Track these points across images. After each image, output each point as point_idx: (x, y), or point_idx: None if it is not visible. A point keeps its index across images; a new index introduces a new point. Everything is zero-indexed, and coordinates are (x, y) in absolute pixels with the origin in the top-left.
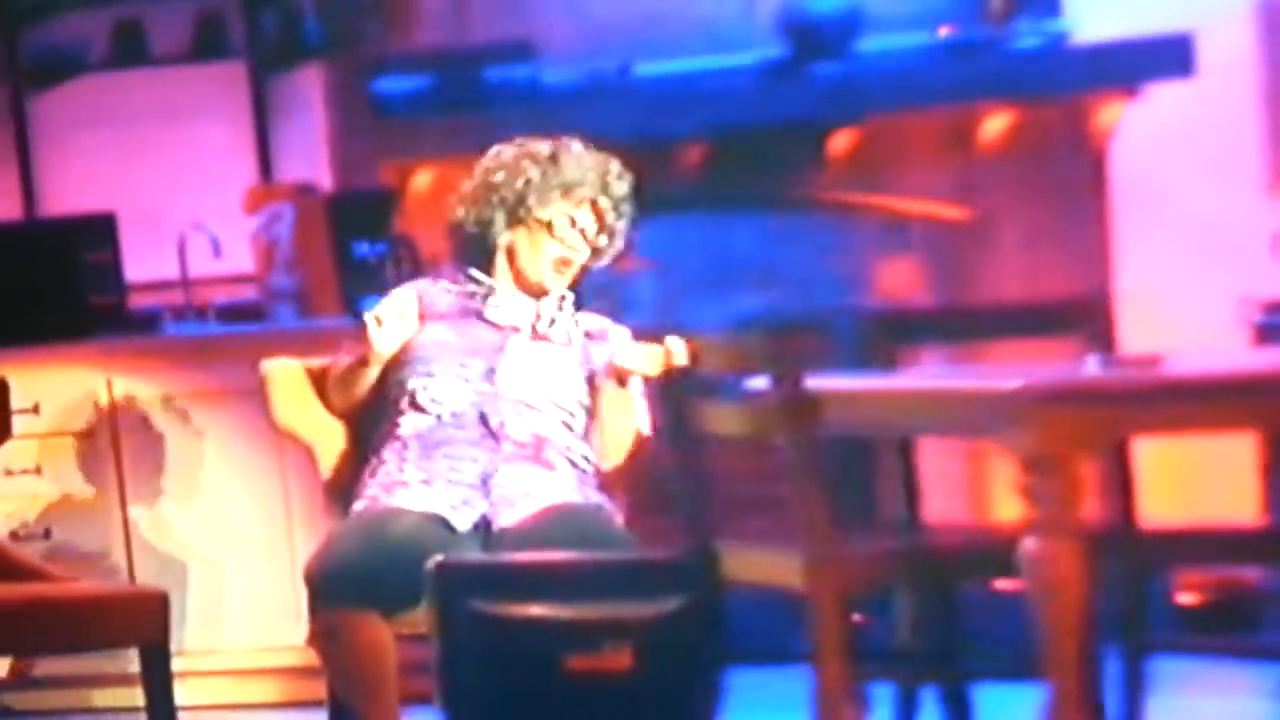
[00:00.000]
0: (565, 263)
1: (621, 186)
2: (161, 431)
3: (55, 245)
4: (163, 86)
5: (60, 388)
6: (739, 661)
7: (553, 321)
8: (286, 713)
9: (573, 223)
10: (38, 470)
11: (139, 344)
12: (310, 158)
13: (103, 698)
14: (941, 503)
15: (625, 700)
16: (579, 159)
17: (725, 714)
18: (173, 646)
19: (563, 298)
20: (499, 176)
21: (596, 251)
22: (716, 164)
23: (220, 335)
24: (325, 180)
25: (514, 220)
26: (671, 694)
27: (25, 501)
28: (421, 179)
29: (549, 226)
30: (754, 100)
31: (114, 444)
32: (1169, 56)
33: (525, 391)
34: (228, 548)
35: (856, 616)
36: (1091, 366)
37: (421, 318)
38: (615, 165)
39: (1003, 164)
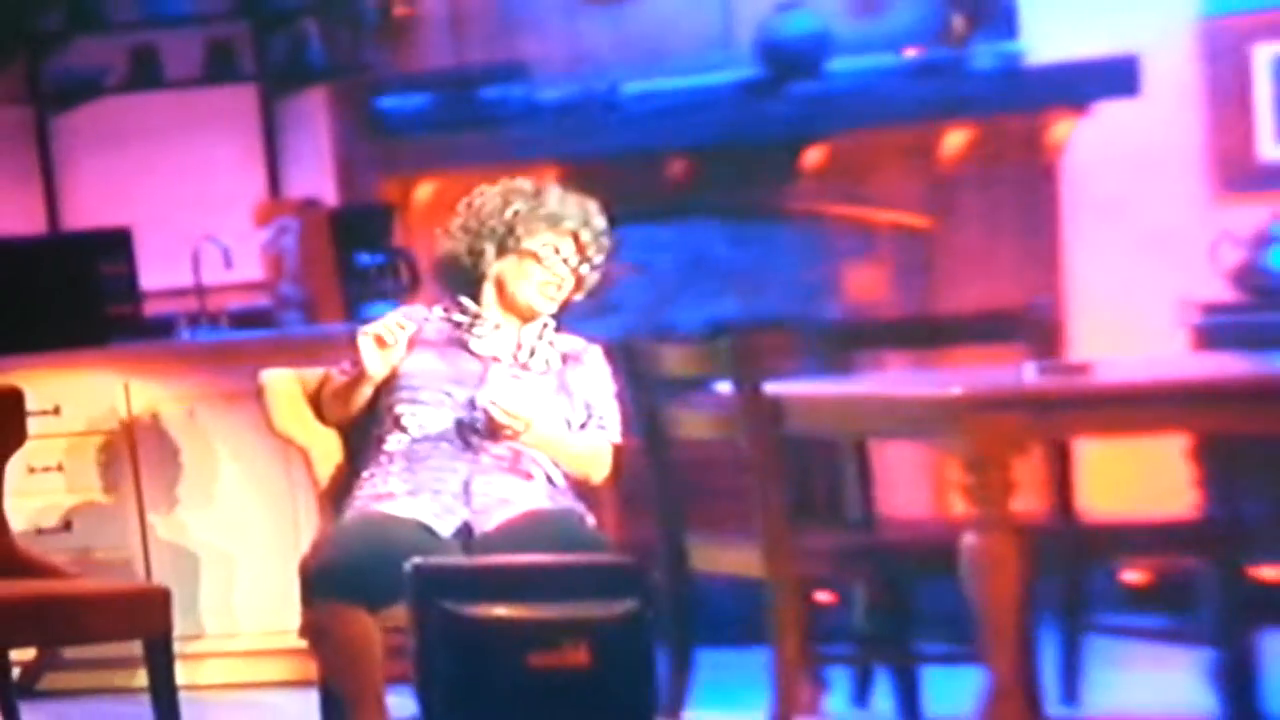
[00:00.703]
0: (553, 288)
1: (601, 222)
2: (175, 432)
3: (75, 258)
4: (177, 108)
5: (80, 391)
6: (710, 643)
7: (533, 351)
8: (295, 690)
9: (557, 251)
10: (59, 468)
11: (154, 349)
12: (316, 174)
13: (124, 678)
14: (908, 495)
15: (582, 692)
16: (561, 195)
17: (696, 691)
18: (191, 631)
19: (545, 325)
20: (488, 210)
21: (579, 282)
22: (698, 176)
23: (231, 341)
24: (330, 195)
25: (503, 250)
26: (623, 686)
27: (47, 498)
28: (423, 192)
29: (536, 255)
30: (732, 117)
31: (130, 443)
32: (1116, 76)
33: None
34: (239, 540)
35: (825, 596)
36: (1029, 373)
37: (411, 344)
38: (594, 204)
39: (963, 176)
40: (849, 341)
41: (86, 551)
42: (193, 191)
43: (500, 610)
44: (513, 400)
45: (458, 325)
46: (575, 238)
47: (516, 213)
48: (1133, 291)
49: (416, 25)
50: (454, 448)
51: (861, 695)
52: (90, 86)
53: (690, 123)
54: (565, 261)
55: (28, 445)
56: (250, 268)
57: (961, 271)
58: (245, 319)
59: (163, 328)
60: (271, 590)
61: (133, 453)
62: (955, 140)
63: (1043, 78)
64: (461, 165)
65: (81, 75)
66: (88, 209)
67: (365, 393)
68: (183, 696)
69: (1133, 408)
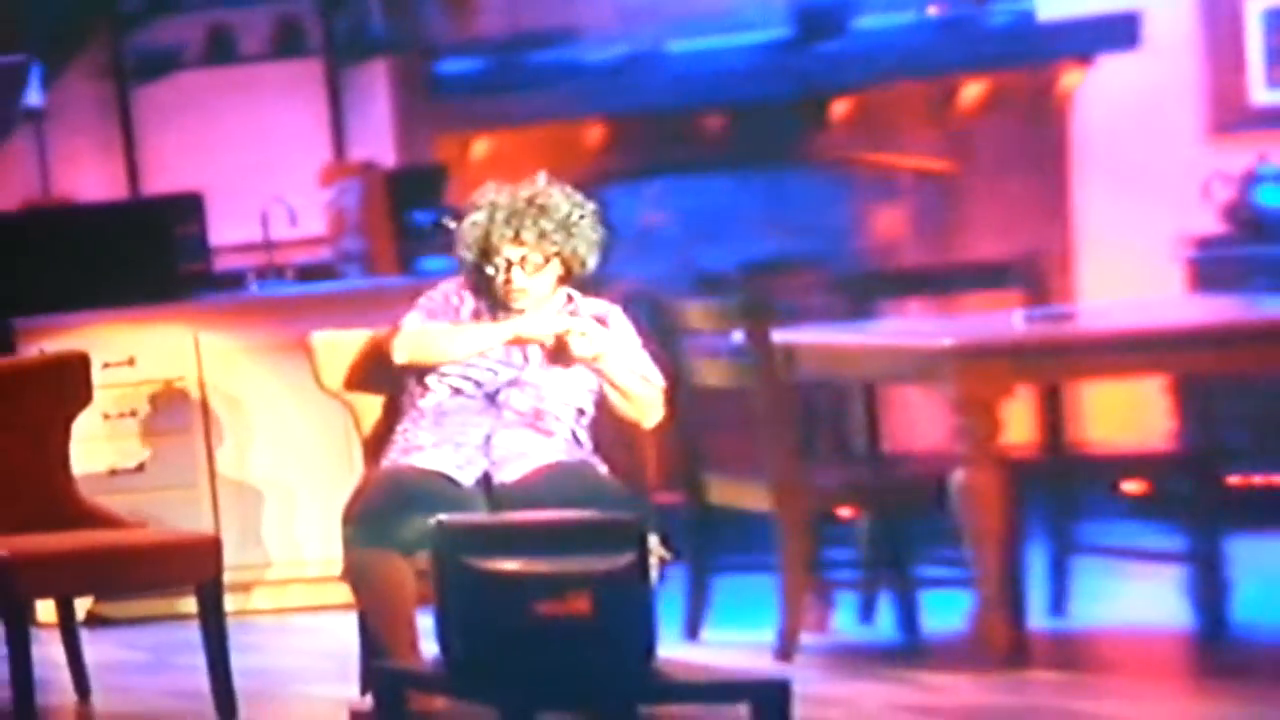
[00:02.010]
0: (514, 291)
1: (557, 209)
2: (241, 378)
3: (151, 220)
4: (248, 81)
5: (153, 342)
6: (728, 570)
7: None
8: (350, 613)
9: (507, 262)
10: (133, 414)
11: (222, 304)
12: (376, 138)
13: (186, 605)
14: (925, 430)
15: (584, 637)
16: (495, 205)
17: (713, 614)
18: (254, 561)
19: (570, 297)
20: (467, 224)
21: (568, 267)
22: (733, 128)
23: (291, 295)
24: (389, 158)
25: (483, 258)
26: (621, 632)
27: (122, 441)
28: (478, 149)
29: (504, 265)
30: (766, 73)
31: (200, 389)
32: (1119, 31)
33: (537, 395)
34: (299, 478)
35: (846, 512)
36: (1016, 321)
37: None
38: (548, 196)
39: (979, 125)
40: (872, 289)
41: (159, 490)
42: (262, 156)
43: (512, 564)
44: (590, 326)
45: (487, 311)
46: (541, 236)
47: (480, 227)
48: (1134, 227)
49: None
50: (480, 406)
51: (866, 614)
52: (168, 62)
53: (727, 79)
54: (535, 266)
55: (105, 394)
56: (315, 224)
57: (978, 212)
58: (310, 272)
59: (234, 281)
60: (329, 523)
61: (202, 399)
62: (972, 91)
63: (1052, 33)
64: (514, 124)
65: (160, 52)
66: (165, 174)
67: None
68: (244, 622)
69: (1110, 354)
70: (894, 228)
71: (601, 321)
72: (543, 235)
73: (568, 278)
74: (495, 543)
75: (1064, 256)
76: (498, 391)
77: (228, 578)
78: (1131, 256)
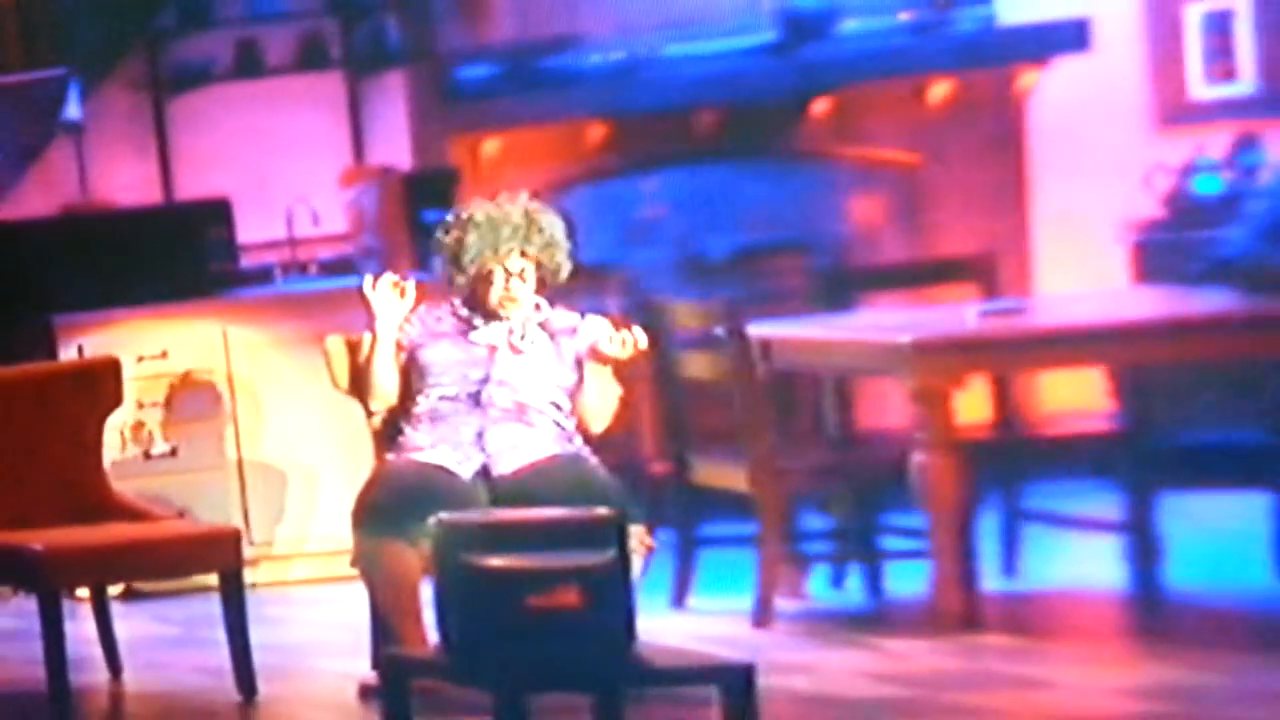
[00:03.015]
0: (508, 300)
1: (547, 225)
2: (266, 369)
3: (184, 223)
4: (274, 92)
5: (185, 336)
6: (712, 544)
7: (524, 336)
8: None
9: (506, 273)
10: (167, 403)
11: (248, 300)
12: (393, 144)
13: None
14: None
15: (572, 627)
16: (494, 220)
17: (699, 583)
18: (279, 536)
19: (538, 306)
20: (448, 240)
21: (542, 280)
22: (724, 125)
23: (312, 291)
24: (405, 162)
25: (462, 270)
26: (606, 621)
27: (156, 428)
28: (489, 148)
29: (487, 277)
30: (755, 75)
31: (229, 379)
32: (1071, 35)
33: (514, 392)
34: (320, 460)
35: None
36: (969, 316)
37: (436, 337)
38: (538, 213)
39: (946, 120)
40: (846, 284)
41: (190, 473)
42: (287, 160)
43: (505, 560)
44: (519, 377)
45: (465, 320)
46: (522, 253)
47: (464, 243)
48: (1084, 215)
49: (487, 2)
50: (468, 407)
51: (837, 582)
52: (200, 75)
53: (718, 80)
54: (520, 274)
55: (141, 384)
56: (336, 223)
57: (945, 199)
58: (331, 267)
59: (262, 275)
60: (346, 502)
61: (230, 388)
62: (939, 90)
63: (1011, 37)
64: (522, 124)
65: (192, 65)
66: (197, 179)
67: (386, 359)
68: (268, 594)
69: (1054, 348)
70: (871, 215)
71: (572, 331)
72: (544, 248)
73: (541, 289)
74: (490, 541)
75: (1021, 244)
76: (479, 392)
77: (252, 553)
78: (1083, 242)
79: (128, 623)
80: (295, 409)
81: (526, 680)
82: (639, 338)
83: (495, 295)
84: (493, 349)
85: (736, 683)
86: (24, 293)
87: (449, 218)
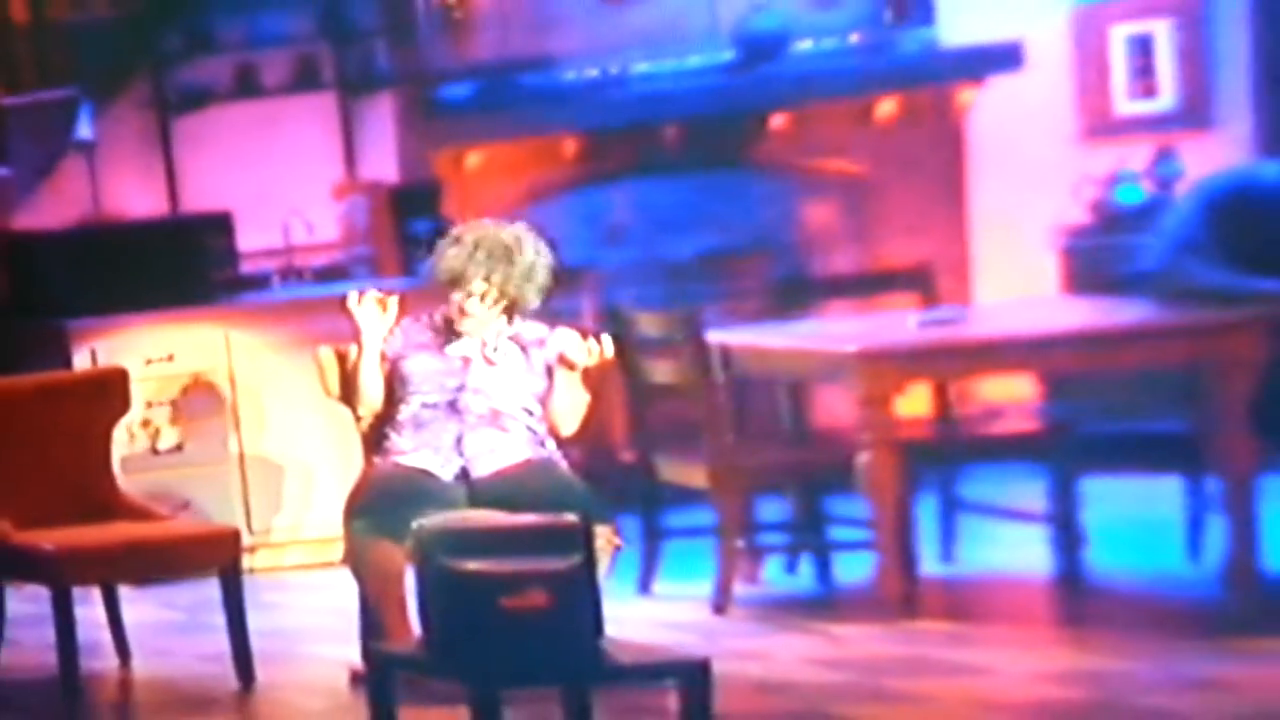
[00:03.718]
0: (470, 320)
1: (523, 258)
2: (266, 370)
3: (188, 234)
4: (272, 111)
5: (190, 340)
6: (675, 535)
7: (495, 349)
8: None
9: (484, 295)
10: (172, 404)
11: (248, 306)
12: (382, 160)
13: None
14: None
15: (542, 626)
16: (477, 243)
17: (663, 571)
18: (275, 524)
19: (509, 323)
20: (450, 251)
21: (513, 305)
22: (689, 139)
23: (308, 298)
24: (393, 176)
25: (452, 284)
26: (574, 621)
27: (163, 425)
28: (472, 160)
29: (465, 296)
30: (715, 92)
31: (230, 380)
32: (1006, 56)
33: (489, 400)
34: (316, 454)
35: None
36: (910, 325)
37: (420, 347)
38: (521, 243)
39: (891, 135)
40: (799, 292)
41: (194, 467)
42: (283, 175)
43: (479, 564)
44: (491, 386)
45: (441, 331)
46: (487, 280)
47: (456, 256)
48: (1019, 220)
49: (469, 24)
50: (447, 414)
51: (790, 569)
52: (203, 96)
53: (682, 97)
54: (484, 301)
55: (149, 385)
56: (329, 232)
57: (891, 208)
58: (325, 273)
59: (261, 281)
60: (339, 494)
61: (232, 388)
62: (886, 107)
63: (952, 58)
64: (502, 138)
65: (196, 87)
66: (201, 194)
67: (372, 369)
68: (266, 579)
69: (987, 356)
70: (823, 222)
71: (540, 342)
72: (505, 280)
73: (511, 310)
74: (466, 545)
75: (960, 252)
76: (455, 400)
77: (252, 540)
78: (1017, 249)
79: (136, 607)
80: (292, 408)
81: (500, 675)
82: (606, 346)
83: (454, 310)
84: (466, 360)
85: (693, 677)
86: (40, 299)
87: (452, 231)
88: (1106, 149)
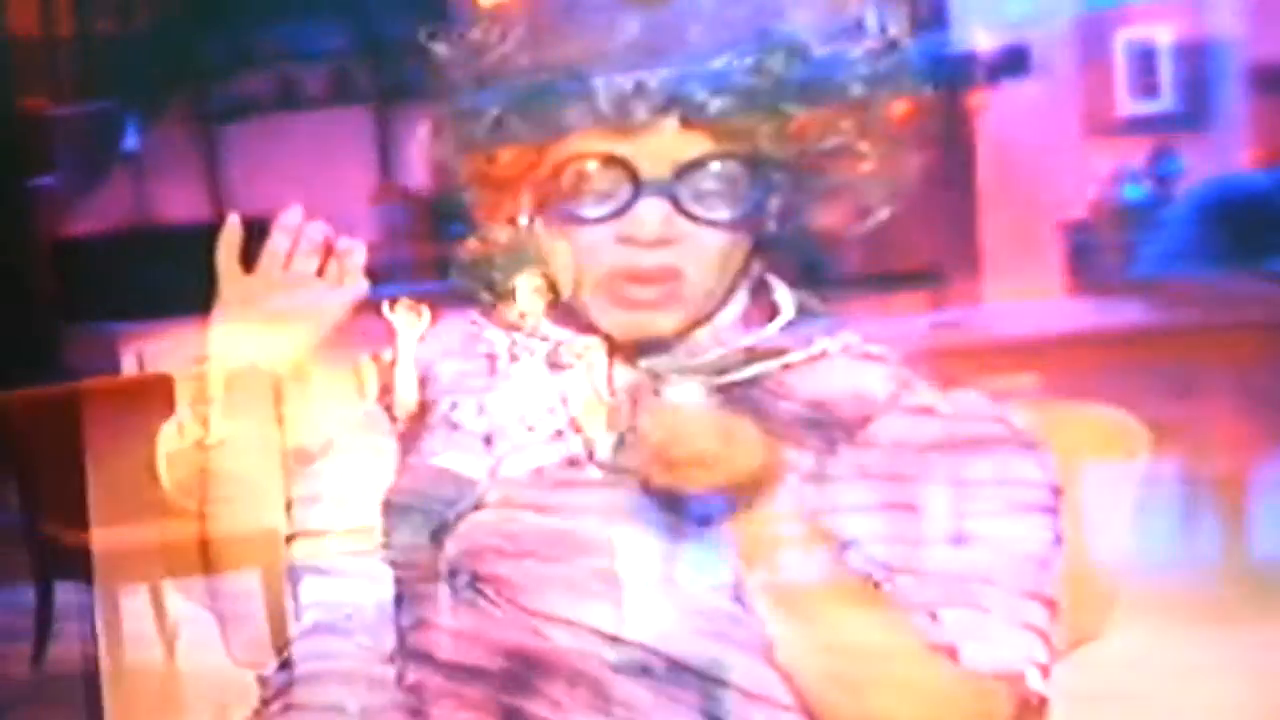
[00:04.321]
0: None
1: None
2: (307, 369)
3: None
4: (312, 122)
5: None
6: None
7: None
8: None
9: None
10: (216, 401)
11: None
12: (418, 166)
13: None
14: None
15: None
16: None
17: None
18: (315, 518)
19: None
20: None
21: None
22: None
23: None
24: (427, 182)
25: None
26: None
27: (209, 423)
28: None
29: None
30: None
31: (274, 379)
32: (1015, 60)
33: None
34: (354, 453)
35: None
36: (919, 327)
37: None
38: None
39: (906, 136)
40: (819, 290)
41: (238, 461)
42: (323, 182)
43: None
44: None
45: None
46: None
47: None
48: (1028, 216)
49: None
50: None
51: None
52: (246, 107)
53: None
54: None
55: (193, 384)
56: (367, 236)
57: (907, 209)
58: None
59: None
60: (377, 491)
61: (275, 386)
62: (898, 110)
63: (965, 62)
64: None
65: (239, 99)
66: (244, 200)
67: (406, 374)
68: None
69: (997, 357)
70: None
71: None
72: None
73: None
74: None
75: (972, 252)
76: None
77: (292, 530)
78: (1026, 237)
79: (180, 600)
80: (332, 406)
81: None
82: None
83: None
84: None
85: None
86: (89, 303)
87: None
88: (1110, 148)
